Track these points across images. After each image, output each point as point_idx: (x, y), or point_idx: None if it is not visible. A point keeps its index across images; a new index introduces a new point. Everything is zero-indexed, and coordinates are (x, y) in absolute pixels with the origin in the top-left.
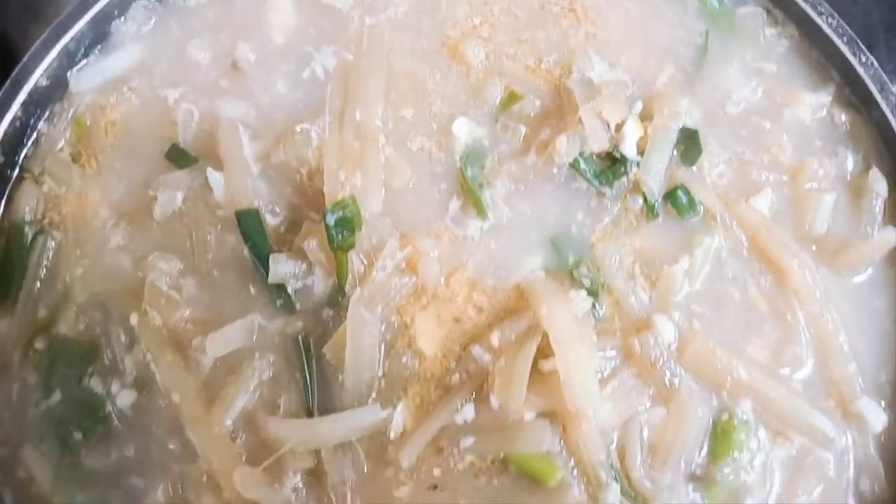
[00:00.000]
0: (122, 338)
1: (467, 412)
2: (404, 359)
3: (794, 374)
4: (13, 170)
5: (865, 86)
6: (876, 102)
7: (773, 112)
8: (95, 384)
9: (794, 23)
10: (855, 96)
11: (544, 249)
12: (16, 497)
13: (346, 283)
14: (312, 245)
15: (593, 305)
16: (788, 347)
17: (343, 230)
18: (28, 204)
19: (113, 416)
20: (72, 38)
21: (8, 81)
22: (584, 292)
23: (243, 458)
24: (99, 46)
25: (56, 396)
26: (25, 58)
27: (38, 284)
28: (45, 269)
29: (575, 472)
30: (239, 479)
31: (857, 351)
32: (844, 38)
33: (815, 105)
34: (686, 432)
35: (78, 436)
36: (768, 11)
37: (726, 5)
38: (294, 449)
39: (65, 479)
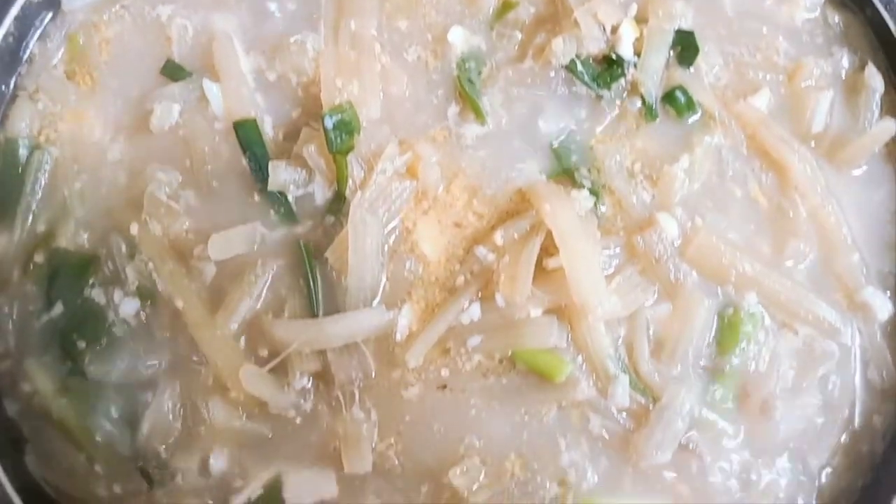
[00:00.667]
0: (123, 248)
1: (473, 312)
2: (407, 263)
3: (797, 267)
4: (7, 87)
5: None
6: (870, 1)
7: (767, 13)
8: (97, 294)
9: None
10: None
11: (543, 154)
12: (20, 409)
13: (347, 188)
14: (311, 150)
15: (595, 205)
16: (791, 241)
17: (341, 133)
18: (23, 121)
19: (116, 324)
20: None
21: None
22: (585, 191)
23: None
24: None
25: (58, 308)
26: None
27: (36, 200)
28: (42, 185)
29: (583, 367)
30: (245, 376)
31: (859, 243)
32: None
33: (808, 5)
34: (692, 325)
35: (82, 345)
36: None
37: None
38: (300, 350)
39: (69, 390)
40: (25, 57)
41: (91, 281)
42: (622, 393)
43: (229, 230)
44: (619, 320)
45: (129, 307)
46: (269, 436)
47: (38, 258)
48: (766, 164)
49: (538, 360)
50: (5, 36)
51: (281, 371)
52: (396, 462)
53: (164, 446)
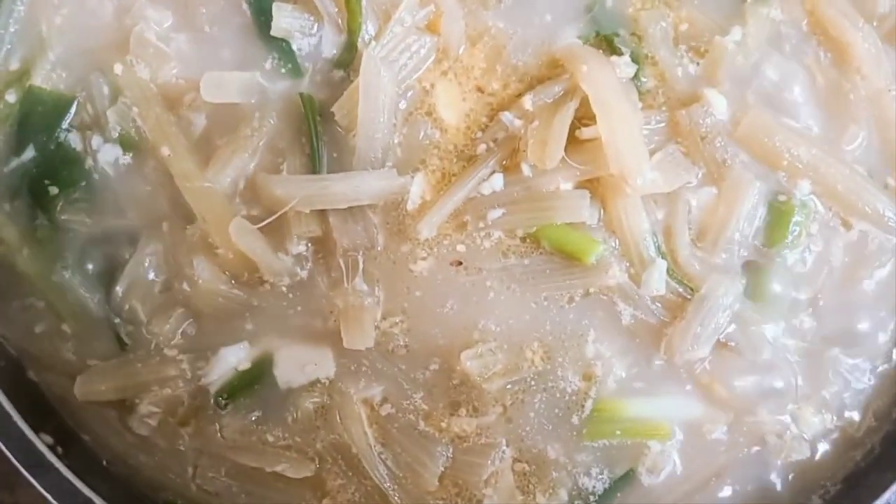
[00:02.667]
0: (105, 90)
1: (495, 182)
2: (423, 128)
3: (855, 155)
4: None
5: None
6: None
7: None
8: (74, 140)
9: None
10: None
11: (580, 15)
12: None
13: (359, 39)
14: None
15: (636, 76)
16: (850, 126)
17: None
18: None
19: (94, 172)
20: None
21: None
22: (626, 57)
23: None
24: None
25: (29, 152)
26: None
27: (10, 34)
28: (18, 19)
29: (616, 250)
30: (235, 229)
31: None
32: None
33: None
34: (739, 211)
35: (54, 191)
36: None
37: None
38: (299, 209)
39: (37, 241)
40: None
41: (67, 124)
42: (658, 279)
43: (225, 73)
44: (658, 203)
45: (108, 154)
46: (260, 305)
47: (10, 97)
48: (826, 42)
49: (566, 238)
50: None
51: (276, 234)
52: (402, 342)
53: (140, 307)
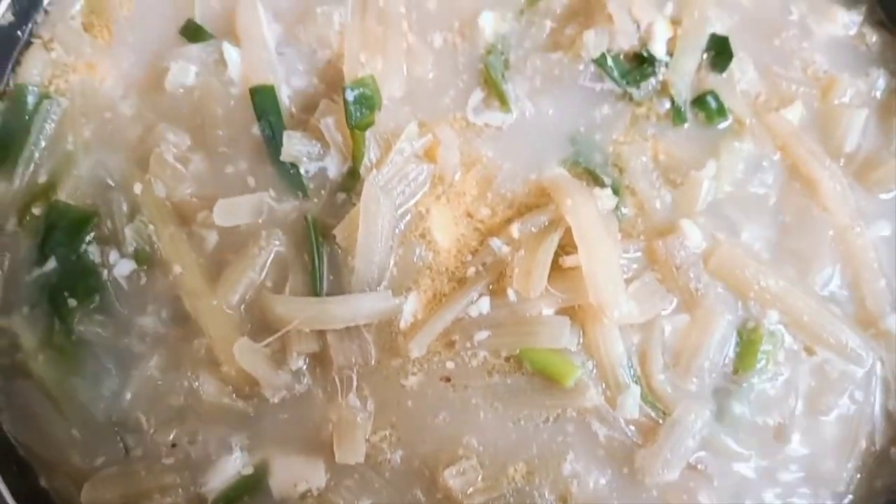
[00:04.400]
0: (124, 207)
1: (482, 305)
2: (418, 249)
3: (821, 288)
4: (23, 33)
5: None
6: None
7: (804, 27)
8: (93, 252)
9: None
10: (887, 16)
11: (566, 148)
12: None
13: (362, 166)
14: (329, 123)
15: (617, 206)
16: (817, 260)
17: (362, 107)
18: (35, 68)
19: (109, 284)
20: None
21: None
22: (608, 190)
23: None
24: None
25: (51, 263)
26: None
27: (40, 149)
28: (48, 135)
29: (593, 373)
30: (239, 350)
31: (885, 268)
32: None
33: (846, 23)
34: (710, 339)
35: (73, 303)
36: None
37: None
38: (299, 329)
39: (53, 348)
40: (44, 5)
41: (88, 238)
42: (632, 404)
43: (236, 198)
44: (634, 328)
45: (123, 268)
46: (259, 417)
47: (36, 210)
48: (795, 178)
49: (547, 362)
50: None
51: (277, 349)
52: (389, 455)
53: (146, 416)
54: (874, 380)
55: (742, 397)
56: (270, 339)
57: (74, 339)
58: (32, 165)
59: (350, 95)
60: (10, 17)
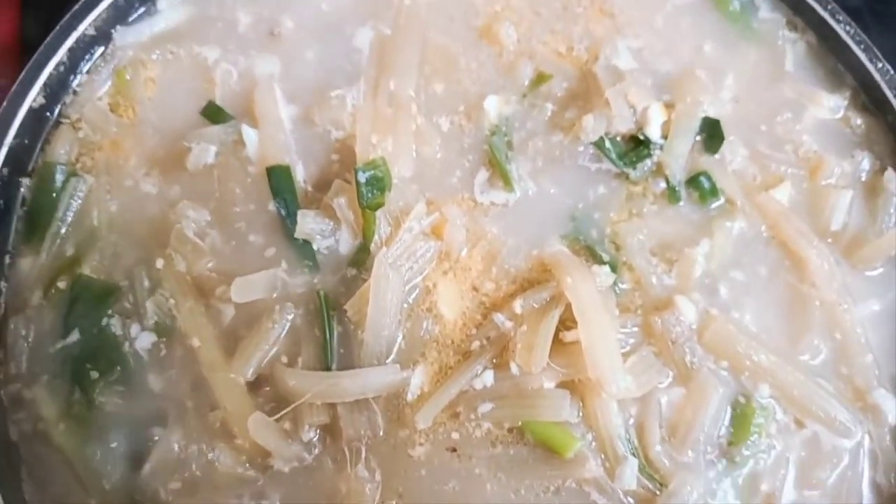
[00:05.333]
0: (146, 282)
1: (486, 378)
2: (425, 323)
3: (811, 362)
4: (52, 114)
5: (881, 91)
6: (892, 107)
7: (791, 111)
8: (115, 325)
9: (813, 29)
10: (871, 101)
11: (567, 225)
12: (22, 434)
13: (372, 243)
14: (342, 202)
15: (615, 282)
16: (806, 335)
17: (373, 188)
18: (63, 147)
19: (130, 357)
20: None
21: (58, 27)
22: (606, 268)
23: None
24: (147, 4)
25: (74, 336)
26: (77, 6)
27: (66, 225)
28: (74, 212)
29: (593, 445)
30: (253, 424)
31: (872, 344)
32: (861, 46)
33: (831, 106)
34: (705, 413)
35: (94, 375)
36: (788, 19)
37: (747, 10)
38: (311, 402)
39: (73, 418)
40: (73, 87)
41: (110, 311)
42: (630, 476)
43: (252, 275)
44: (632, 401)
45: (144, 341)
46: (271, 486)
47: (61, 283)
48: (785, 255)
49: (548, 434)
50: (57, 65)
51: (289, 421)
52: None
53: (164, 487)
54: (862, 452)
55: (736, 469)
56: (283, 413)
57: (95, 409)
58: (59, 240)
59: (362, 177)
60: (41, 100)
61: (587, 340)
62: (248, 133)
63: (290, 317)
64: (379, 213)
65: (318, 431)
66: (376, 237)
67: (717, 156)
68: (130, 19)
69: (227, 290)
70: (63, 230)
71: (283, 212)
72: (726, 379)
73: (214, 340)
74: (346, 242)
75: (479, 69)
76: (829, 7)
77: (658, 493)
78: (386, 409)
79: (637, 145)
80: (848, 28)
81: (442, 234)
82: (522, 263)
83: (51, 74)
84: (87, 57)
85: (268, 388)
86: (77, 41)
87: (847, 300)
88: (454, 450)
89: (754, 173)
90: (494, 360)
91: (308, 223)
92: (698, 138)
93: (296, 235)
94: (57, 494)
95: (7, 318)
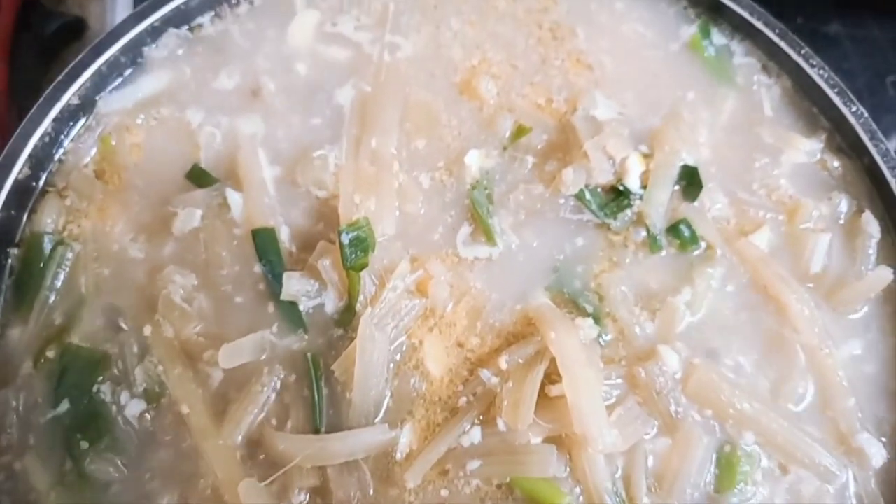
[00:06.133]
0: (135, 349)
1: (474, 435)
2: (412, 380)
3: (794, 407)
4: (38, 183)
5: (856, 134)
6: (867, 150)
7: (768, 155)
8: (105, 394)
9: (788, 74)
10: (846, 143)
11: (550, 276)
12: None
13: (358, 302)
14: (326, 264)
15: (598, 333)
16: (789, 380)
17: (357, 250)
18: (50, 216)
19: (120, 425)
20: (105, 62)
21: (42, 98)
22: (590, 320)
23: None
24: (130, 70)
25: (64, 406)
26: (60, 77)
27: (55, 294)
28: (62, 280)
29: (581, 499)
30: (244, 491)
31: (855, 386)
32: (836, 89)
33: (808, 150)
34: (690, 463)
35: (84, 445)
36: (763, 63)
37: (723, 55)
38: (301, 465)
39: (65, 487)
40: (58, 156)
41: (100, 379)
42: None
43: (240, 340)
44: (619, 453)
45: (134, 408)
46: None
47: (50, 353)
48: (766, 301)
49: (537, 489)
50: (42, 136)
51: (280, 486)
52: None
53: None
54: (847, 496)
55: None
56: (273, 478)
57: (86, 478)
58: (47, 309)
59: (345, 238)
60: (27, 171)
61: (572, 396)
62: (233, 196)
63: (278, 379)
64: (363, 272)
65: (308, 494)
66: (361, 297)
67: (696, 203)
68: (114, 86)
69: (214, 354)
70: (51, 299)
71: (268, 274)
72: (711, 427)
73: (203, 406)
74: (331, 302)
75: (460, 124)
76: (803, 52)
77: None
78: (375, 469)
79: (617, 196)
80: (821, 72)
81: (426, 290)
82: (507, 318)
83: (36, 145)
84: (71, 125)
85: (257, 452)
86: (61, 111)
87: (828, 344)
88: None
89: (733, 219)
90: (481, 417)
91: (294, 285)
92: (677, 187)
93: (282, 297)
94: None
95: None
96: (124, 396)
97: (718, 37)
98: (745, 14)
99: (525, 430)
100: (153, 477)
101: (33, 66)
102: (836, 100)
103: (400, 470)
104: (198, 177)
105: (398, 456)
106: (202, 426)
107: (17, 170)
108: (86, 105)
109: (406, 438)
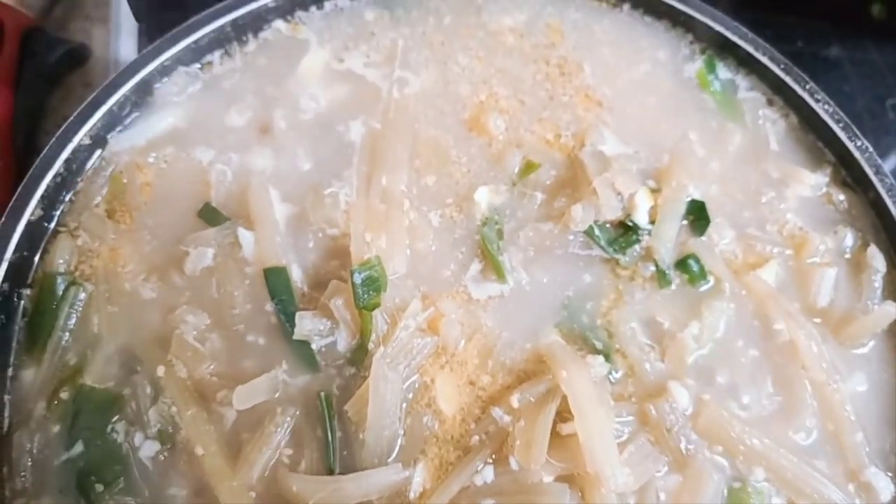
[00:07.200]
0: (148, 390)
1: (487, 474)
2: (424, 419)
3: (803, 442)
4: (50, 223)
5: (861, 168)
6: (872, 184)
7: (775, 190)
8: (118, 435)
9: (793, 109)
10: (851, 178)
11: (560, 314)
12: None
13: (370, 341)
14: (339, 303)
15: (609, 371)
16: (797, 415)
17: (369, 289)
18: (62, 257)
19: (134, 467)
20: (116, 102)
21: (54, 139)
22: (601, 358)
23: None
24: (141, 109)
25: (78, 447)
26: (71, 117)
27: (68, 335)
28: (74, 321)
29: None
30: None
31: (862, 420)
32: (841, 124)
33: (813, 184)
34: (701, 500)
35: (100, 488)
36: (768, 97)
37: (728, 90)
38: None
39: None
40: (70, 196)
41: (114, 421)
42: None
43: (254, 381)
44: (631, 491)
45: (148, 449)
46: None
47: (64, 394)
48: (774, 335)
49: None
50: (55, 176)
51: None
52: None
53: None
54: None
55: None
56: None
57: None
58: (60, 350)
59: (357, 278)
60: (39, 213)
61: (584, 436)
62: (244, 235)
63: (290, 419)
64: (375, 311)
65: None
66: (374, 335)
67: (704, 238)
68: (125, 124)
69: (228, 394)
70: (64, 339)
71: (281, 313)
72: (721, 464)
73: (217, 447)
74: (343, 341)
75: (469, 161)
76: (808, 87)
77: None
78: None
79: (626, 231)
80: (826, 106)
81: (438, 328)
82: (518, 356)
83: (48, 186)
84: (83, 165)
85: (272, 493)
86: (73, 152)
87: (836, 379)
88: None
89: (741, 254)
90: (494, 456)
91: (306, 325)
92: (685, 221)
93: (294, 336)
94: None
95: (12, 432)
96: (138, 438)
97: (724, 71)
98: (751, 49)
99: (538, 469)
100: None
101: (38, 92)
102: (842, 134)
103: None
104: (209, 216)
105: (412, 495)
106: (216, 467)
107: (30, 212)
108: (97, 144)
109: (419, 478)
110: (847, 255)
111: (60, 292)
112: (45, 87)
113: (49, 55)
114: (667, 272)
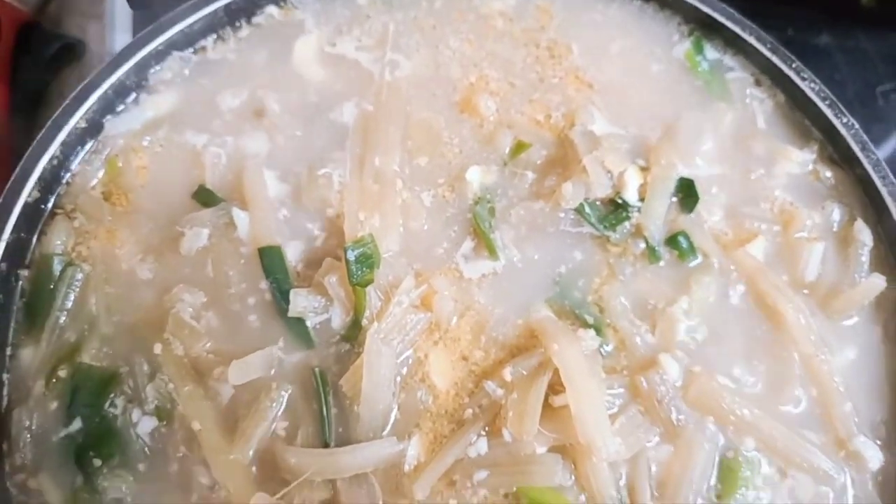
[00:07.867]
0: (145, 367)
1: (480, 446)
2: (418, 393)
3: (793, 412)
4: (47, 205)
5: (847, 145)
6: (858, 160)
7: (764, 167)
8: (116, 412)
9: (780, 87)
10: (838, 154)
11: (551, 290)
12: None
13: (364, 318)
14: (333, 280)
15: (600, 344)
16: (786, 386)
17: (362, 266)
18: (59, 238)
19: (132, 443)
20: (111, 86)
21: (49, 121)
22: (592, 331)
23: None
24: (135, 93)
25: (76, 424)
26: (67, 101)
27: (65, 315)
28: (72, 301)
29: None
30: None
31: (851, 391)
32: (827, 102)
33: (801, 161)
34: (693, 469)
35: (97, 462)
36: (756, 77)
37: (716, 70)
38: (311, 479)
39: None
40: (66, 179)
41: (111, 398)
42: None
43: (249, 356)
44: (622, 460)
45: (146, 425)
46: None
47: (62, 372)
48: (762, 309)
49: (543, 498)
50: (51, 159)
51: (290, 498)
52: None
53: None
54: (847, 499)
55: None
56: (284, 491)
57: (99, 495)
58: (58, 330)
59: (351, 255)
60: (35, 194)
61: (576, 407)
62: (239, 215)
63: (286, 394)
64: (369, 288)
65: None
66: (367, 312)
67: (693, 215)
68: (120, 109)
69: (224, 370)
70: (62, 319)
71: (275, 291)
72: (712, 434)
73: (214, 422)
74: (338, 318)
75: (461, 142)
76: (794, 65)
77: None
78: (384, 481)
79: (616, 208)
80: (813, 85)
81: (431, 305)
82: (510, 331)
83: (45, 168)
84: (79, 148)
85: (269, 466)
86: (69, 134)
87: (824, 351)
88: None
89: (730, 230)
90: (487, 428)
91: (301, 302)
92: (674, 199)
93: (289, 314)
94: None
95: (10, 409)
96: (136, 414)
97: (711, 52)
98: (738, 29)
99: (530, 441)
100: (165, 493)
101: (33, 87)
102: (828, 112)
103: (408, 481)
104: (204, 197)
105: (406, 468)
106: (213, 442)
107: (27, 193)
108: (93, 128)
109: (414, 451)
110: (834, 230)
111: (58, 273)
112: (40, 83)
113: (44, 50)
114: (656, 248)
